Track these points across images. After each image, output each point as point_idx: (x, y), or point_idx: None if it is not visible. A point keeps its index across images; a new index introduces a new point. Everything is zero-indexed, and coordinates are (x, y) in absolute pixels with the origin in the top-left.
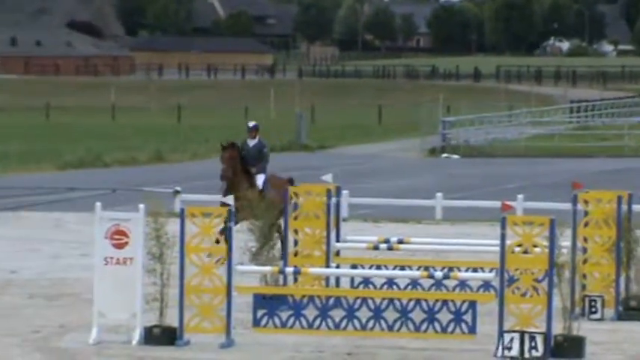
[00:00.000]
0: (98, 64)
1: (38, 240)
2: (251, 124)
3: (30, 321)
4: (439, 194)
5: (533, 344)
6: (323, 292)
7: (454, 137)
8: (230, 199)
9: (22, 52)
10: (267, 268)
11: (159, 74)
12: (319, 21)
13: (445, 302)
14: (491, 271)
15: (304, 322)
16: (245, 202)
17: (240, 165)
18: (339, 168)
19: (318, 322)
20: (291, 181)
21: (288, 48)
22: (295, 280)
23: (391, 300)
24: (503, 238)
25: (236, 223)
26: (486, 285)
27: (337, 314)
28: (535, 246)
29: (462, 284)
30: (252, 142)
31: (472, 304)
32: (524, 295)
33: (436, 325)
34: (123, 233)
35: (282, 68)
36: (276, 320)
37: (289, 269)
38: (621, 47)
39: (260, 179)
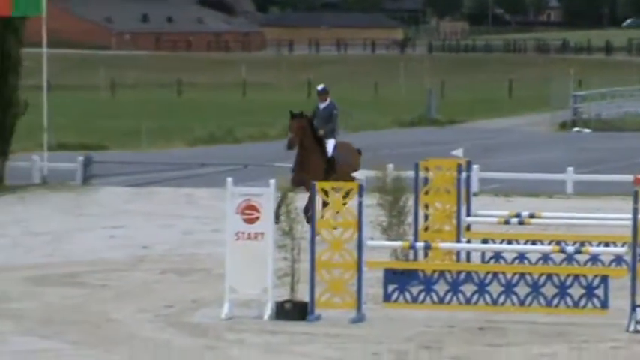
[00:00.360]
0: (229, 40)
1: (170, 216)
2: (320, 87)
3: (162, 296)
4: (570, 168)
5: None
6: (454, 267)
7: (585, 111)
8: (360, 174)
9: (153, 28)
10: (398, 243)
11: (289, 50)
12: None
13: (577, 277)
14: (623, 245)
15: (435, 297)
16: (313, 174)
17: (312, 133)
18: (470, 143)
19: (448, 296)
20: (359, 152)
21: (418, 23)
22: (426, 255)
23: (522, 275)
24: (635, 212)
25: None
26: (618, 259)
27: (468, 289)
28: None
29: (594, 259)
30: (322, 105)
31: (604, 279)
32: None
33: (568, 299)
34: (254, 208)
35: (412, 44)
36: (407, 295)
37: (420, 244)
38: None
39: (330, 145)
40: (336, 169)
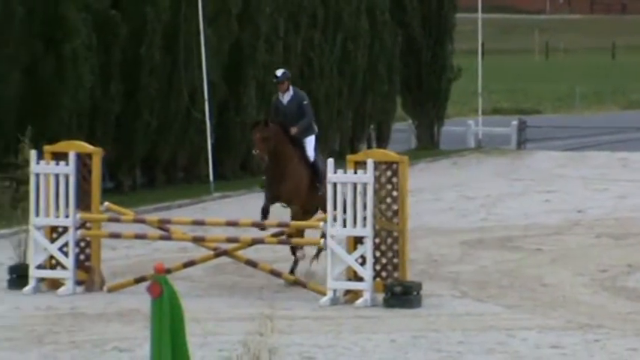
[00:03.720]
0: None
1: (604, 180)
2: (279, 72)
3: (597, 260)
4: None
5: None
6: None
7: None
8: None
9: None
10: None
11: None
12: None
13: None
14: None
15: None
16: (294, 185)
17: (285, 137)
18: None
19: None
20: None
21: None
22: None
23: None
24: None
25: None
26: None
27: None
28: None
29: None
30: (285, 98)
31: None
32: None
33: None
34: None
35: None
36: None
37: None
38: None
39: (310, 145)
40: (321, 179)
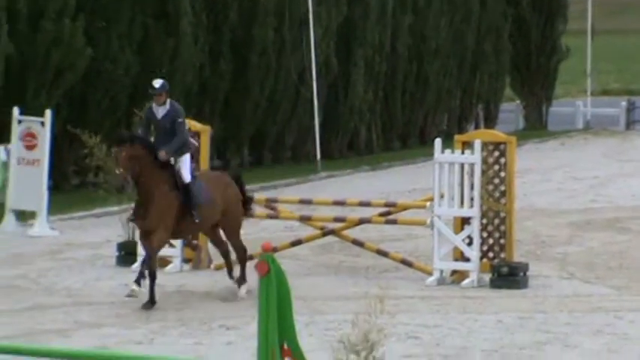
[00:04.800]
0: None
1: None
2: (157, 83)
3: None
4: None
5: None
6: None
7: None
8: None
9: None
10: None
11: None
12: None
13: None
14: None
15: None
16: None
17: (152, 158)
18: None
19: None
20: (236, 178)
21: None
22: None
23: None
24: None
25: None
26: None
27: None
28: None
29: None
30: (160, 111)
31: None
32: None
33: None
34: None
35: None
36: None
37: None
38: None
39: (185, 165)
40: (195, 205)
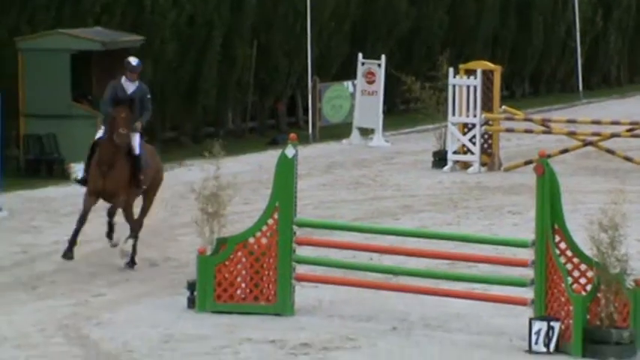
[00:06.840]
0: None
1: None
2: (135, 61)
3: None
4: None
5: None
6: None
7: None
8: None
9: None
10: None
11: None
12: None
13: None
14: None
15: None
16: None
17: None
18: None
19: None
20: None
21: None
22: None
23: None
24: None
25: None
26: None
27: None
28: None
29: None
30: (130, 87)
31: None
32: None
33: None
34: None
35: None
36: None
37: None
38: None
39: (136, 139)
40: (142, 170)
